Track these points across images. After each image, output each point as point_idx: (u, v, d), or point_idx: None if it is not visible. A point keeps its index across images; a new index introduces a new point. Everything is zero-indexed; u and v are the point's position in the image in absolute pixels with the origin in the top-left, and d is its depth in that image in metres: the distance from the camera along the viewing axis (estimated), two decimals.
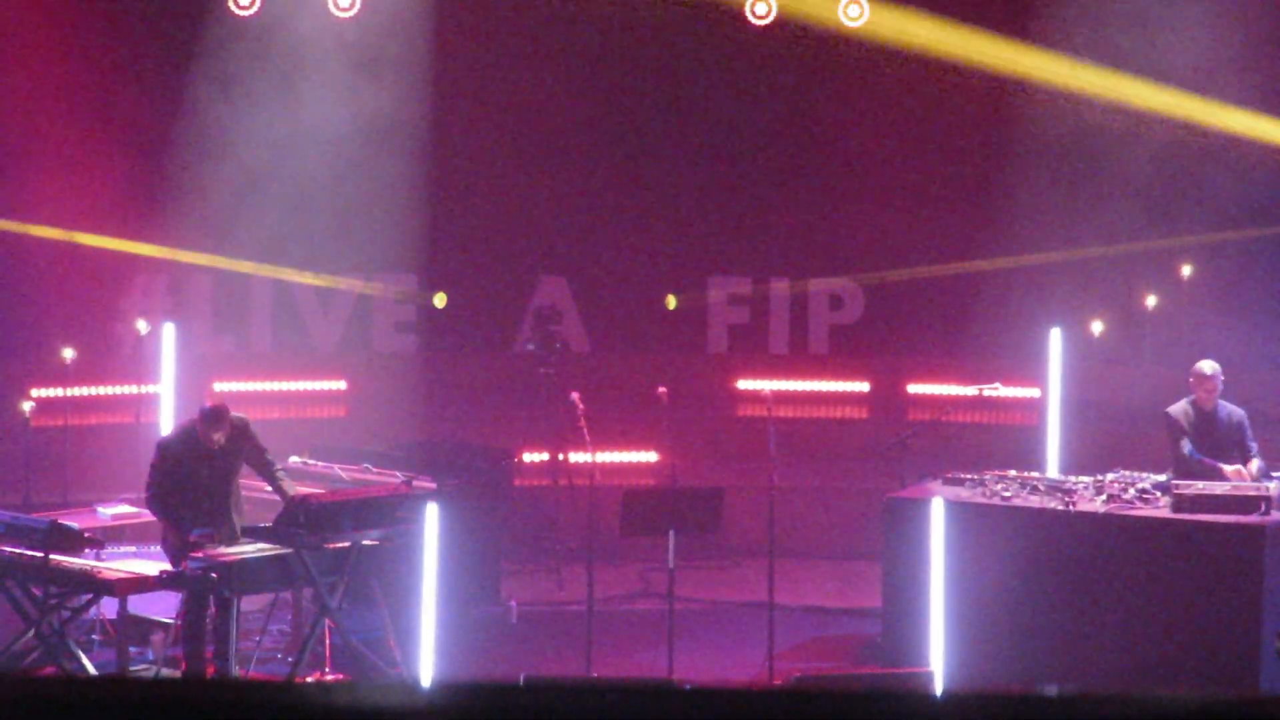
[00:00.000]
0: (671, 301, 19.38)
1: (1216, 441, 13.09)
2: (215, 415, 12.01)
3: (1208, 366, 13.20)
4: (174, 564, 11.85)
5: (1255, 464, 12.79)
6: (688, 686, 2.80)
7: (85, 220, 18.08)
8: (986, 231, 19.06)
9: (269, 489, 12.50)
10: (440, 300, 18.95)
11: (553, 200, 19.63)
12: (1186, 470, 12.72)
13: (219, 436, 11.99)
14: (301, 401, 18.53)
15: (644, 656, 13.48)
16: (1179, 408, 13.21)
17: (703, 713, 2.71)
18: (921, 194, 19.31)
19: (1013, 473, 13.04)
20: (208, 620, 11.83)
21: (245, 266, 18.47)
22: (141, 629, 12.59)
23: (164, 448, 12.15)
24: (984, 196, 19.12)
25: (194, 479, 12.00)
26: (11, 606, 12.13)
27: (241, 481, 12.48)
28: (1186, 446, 12.94)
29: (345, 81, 18.50)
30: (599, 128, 19.62)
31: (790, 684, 11.36)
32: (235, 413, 12.23)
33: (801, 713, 2.71)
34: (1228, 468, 12.66)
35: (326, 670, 12.37)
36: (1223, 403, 13.20)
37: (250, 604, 12.67)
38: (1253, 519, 11.93)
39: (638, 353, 19.42)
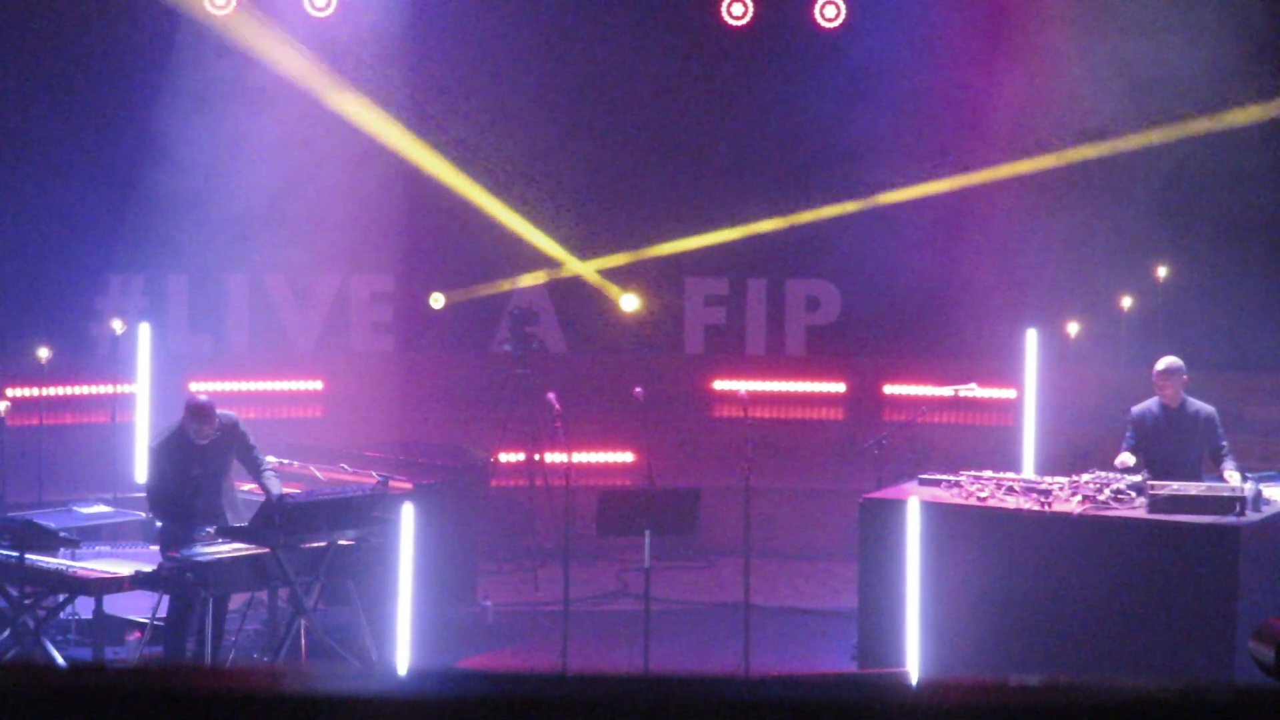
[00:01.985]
0: (628, 301, 19.34)
1: (1184, 439, 13.12)
2: (201, 411, 12.08)
3: (1164, 363, 13.22)
4: None
5: (1235, 475, 12.77)
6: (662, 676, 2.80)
7: (58, 219, 18.07)
8: (965, 232, 19.10)
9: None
10: (437, 301, 18.92)
11: (529, 201, 19.62)
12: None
13: (207, 430, 12.05)
14: (278, 401, 18.51)
15: (620, 656, 13.47)
16: (1142, 407, 13.26)
17: (675, 700, 2.71)
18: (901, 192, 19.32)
19: (989, 473, 13.02)
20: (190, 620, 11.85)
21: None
22: (117, 628, 12.56)
23: (155, 451, 12.21)
24: (961, 196, 19.14)
25: (186, 477, 12.04)
26: None
27: (236, 483, 12.54)
28: (1123, 446, 13.12)
29: (321, 81, 18.47)
30: (576, 128, 19.62)
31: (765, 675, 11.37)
32: (224, 410, 12.31)
33: (775, 700, 2.71)
34: (1121, 457, 12.84)
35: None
36: (1191, 400, 13.23)
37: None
38: (1228, 519, 11.95)
39: (614, 353, 19.43)
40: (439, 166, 19.13)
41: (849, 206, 19.13)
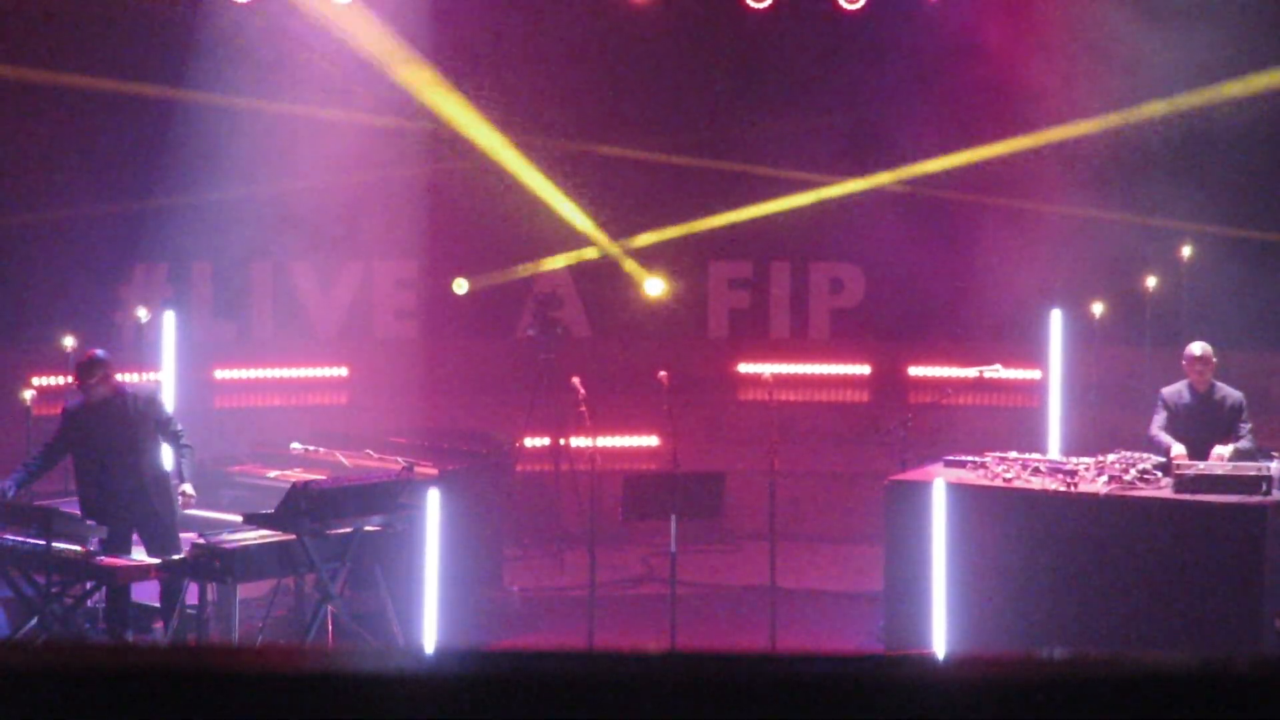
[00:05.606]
0: (653, 285, 19.28)
1: (1210, 423, 13.10)
2: (86, 366, 12.25)
3: (1198, 348, 13.23)
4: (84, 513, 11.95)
5: (1232, 447, 12.77)
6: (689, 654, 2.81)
7: (76, 213, 18.11)
8: (989, 213, 19.06)
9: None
10: (460, 287, 18.87)
11: (552, 185, 19.60)
12: (1146, 445, 12.90)
13: (90, 386, 12.14)
14: (303, 388, 18.53)
15: (646, 640, 13.49)
16: (1173, 389, 13.25)
17: (702, 678, 2.72)
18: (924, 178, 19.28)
19: (1014, 454, 13.02)
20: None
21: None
22: (143, 616, 12.60)
23: (65, 412, 12.35)
24: (985, 178, 19.09)
25: (90, 442, 12.09)
26: (14, 594, 12.16)
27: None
28: (1154, 426, 13.08)
29: (343, 68, 18.46)
30: (599, 112, 19.59)
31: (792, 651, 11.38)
32: (146, 381, 12.38)
33: (802, 677, 2.72)
34: (1175, 448, 12.74)
35: None
36: (1220, 385, 13.21)
37: (253, 590, 12.68)
38: (1254, 499, 11.93)
39: (638, 338, 19.40)
40: (464, 150, 19.11)
41: (881, 179, 19.07)
